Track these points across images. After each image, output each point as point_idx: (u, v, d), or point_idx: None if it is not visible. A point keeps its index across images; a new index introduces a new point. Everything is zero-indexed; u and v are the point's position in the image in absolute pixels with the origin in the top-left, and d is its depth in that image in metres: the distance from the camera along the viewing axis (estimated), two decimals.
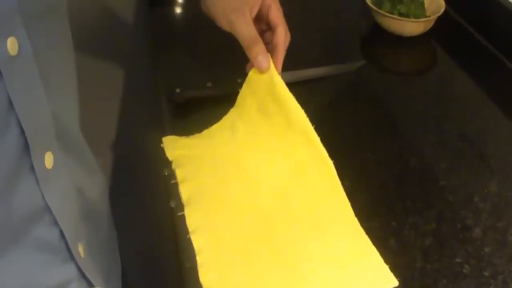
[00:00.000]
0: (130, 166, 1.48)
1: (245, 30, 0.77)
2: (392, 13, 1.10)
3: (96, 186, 0.76)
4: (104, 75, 1.52)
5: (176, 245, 0.78)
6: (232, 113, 0.85)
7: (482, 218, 0.76)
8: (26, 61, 0.51)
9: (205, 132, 0.85)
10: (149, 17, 1.27)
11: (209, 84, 0.95)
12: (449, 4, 1.13)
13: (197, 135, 0.85)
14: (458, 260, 0.71)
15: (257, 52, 0.77)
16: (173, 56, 0.86)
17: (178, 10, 1.28)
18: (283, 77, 0.96)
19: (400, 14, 1.10)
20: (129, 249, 0.89)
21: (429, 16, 1.11)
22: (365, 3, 1.12)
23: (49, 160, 0.56)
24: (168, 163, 0.83)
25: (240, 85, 0.89)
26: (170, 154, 0.81)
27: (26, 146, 0.52)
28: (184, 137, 0.85)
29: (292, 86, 0.94)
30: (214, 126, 0.85)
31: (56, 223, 0.59)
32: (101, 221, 0.77)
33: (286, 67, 0.98)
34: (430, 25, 1.11)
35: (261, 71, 0.77)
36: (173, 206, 0.77)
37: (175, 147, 0.83)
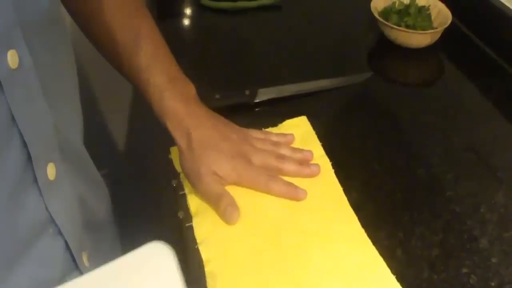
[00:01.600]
0: (138, 177, 1.48)
1: (211, 190, 0.76)
2: (399, 25, 1.10)
3: (98, 197, 0.76)
4: (111, 87, 1.53)
5: (184, 256, 0.79)
6: None
7: (489, 228, 0.76)
8: (27, 74, 0.51)
9: None
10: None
11: (217, 96, 0.96)
12: (456, 15, 1.13)
13: None
14: (465, 270, 0.71)
15: (224, 205, 0.74)
16: (181, 68, 0.87)
17: (185, 22, 1.29)
18: (289, 90, 0.97)
19: (407, 26, 1.10)
20: None
21: (436, 28, 1.11)
22: (372, 15, 1.13)
23: (51, 171, 0.57)
24: (176, 174, 0.83)
25: (248, 97, 0.90)
26: (178, 165, 0.81)
27: (29, 158, 0.53)
28: None
29: (299, 98, 0.95)
30: None
31: (60, 233, 0.60)
32: (104, 231, 0.78)
33: (293, 79, 0.99)
34: (437, 36, 1.11)
35: (231, 222, 0.74)
36: (181, 217, 0.78)
37: None
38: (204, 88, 1.01)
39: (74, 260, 0.63)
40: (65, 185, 0.60)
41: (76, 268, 0.64)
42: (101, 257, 0.72)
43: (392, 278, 0.67)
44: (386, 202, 0.77)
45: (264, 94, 0.95)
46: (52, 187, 0.57)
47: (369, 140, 0.91)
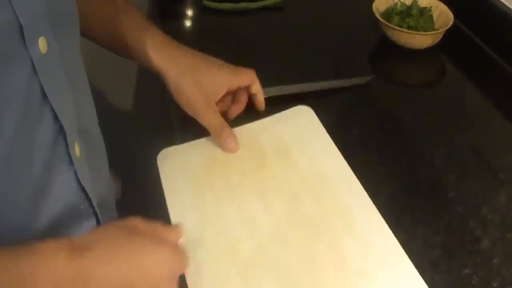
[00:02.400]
0: (139, 177, 1.49)
1: (211, 120, 0.85)
2: (401, 26, 1.10)
3: (107, 185, 0.80)
4: (111, 87, 1.53)
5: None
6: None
7: (490, 229, 0.76)
8: (54, 58, 0.57)
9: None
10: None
11: None
12: (458, 17, 1.13)
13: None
14: (466, 271, 0.71)
15: (226, 136, 0.84)
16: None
17: (187, 23, 1.29)
18: (290, 89, 0.97)
19: (409, 27, 1.10)
20: None
21: (438, 29, 1.11)
22: (375, 16, 1.13)
23: (77, 149, 0.63)
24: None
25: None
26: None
27: (59, 133, 0.59)
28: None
29: (301, 98, 0.95)
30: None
31: (92, 206, 0.67)
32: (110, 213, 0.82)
33: (295, 80, 0.99)
34: (439, 38, 1.11)
35: (231, 151, 0.84)
36: None
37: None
38: None
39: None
40: (86, 163, 0.66)
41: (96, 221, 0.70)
42: None
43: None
44: (388, 203, 0.77)
45: (265, 92, 0.96)
46: (79, 162, 0.63)
47: (370, 140, 0.91)
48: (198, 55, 0.87)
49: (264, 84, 0.92)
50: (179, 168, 0.83)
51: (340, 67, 1.12)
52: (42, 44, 0.54)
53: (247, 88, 0.90)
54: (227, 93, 0.88)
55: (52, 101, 0.56)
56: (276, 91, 0.97)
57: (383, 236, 0.72)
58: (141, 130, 1.45)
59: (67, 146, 0.60)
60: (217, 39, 1.19)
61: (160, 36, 0.85)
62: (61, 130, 0.59)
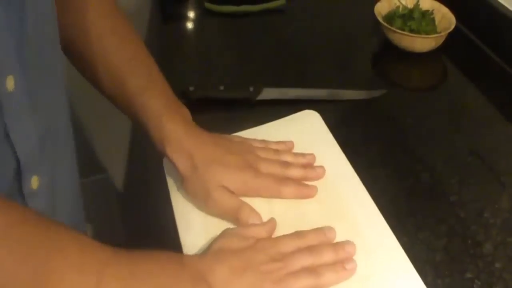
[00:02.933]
0: (141, 181, 1.49)
1: (226, 204, 0.74)
2: (403, 30, 1.10)
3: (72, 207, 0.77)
4: None
5: None
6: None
7: (493, 233, 0.76)
8: (21, 95, 0.55)
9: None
10: (162, 33, 1.28)
11: (221, 88, 0.97)
12: (460, 20, 1.13)
13: None
14: (469, 275, 0.70)
15: (247, 217, 0.73)
16: (187, 67, 0.88)
17: (190, 26, 1.29)
18: (293, 93, 0.97)
19: (411, 31, 1.10)
20: None
21: (440, 32, 1.11)
22: (376, 19, 1.13)
23: (35, 183, 0.61)
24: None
25: (252, 94, 0.90)
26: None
27: (17, 171, 0.58)
28: None
29: (301, 103, 0.95)
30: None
31: None
32: None
33: (296, 83, 0.99)
34: (441, 41, 1.11)
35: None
36: None
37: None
38: (209, 80, 1.02)
39: None
40: (46, 195, 0.64)
41: None
42: None
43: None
44: (390, 206, 0.77)
45: (267, 93, 0.96)
46: (34, 196, 0.61)
47: (372, 144, 0.91)
48: (217, 147, 0.77)
49: (265, 86, 0.92)
50: None
51: (341, 70, 1.12)
52: (9, 82, 0.53)
53: None
54: None
55: (13, 138, 0.55)
56: (278, 93, 0.97)
57: (387, 241, 0.71)
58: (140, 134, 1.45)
59: (21, 181, 0.59)
60: (219, 42, 1.19)
61: (176, 126, 0.76)
62: (18, 166, 0.58)
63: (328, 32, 1.24)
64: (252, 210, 0.73)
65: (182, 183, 0.77)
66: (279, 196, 0.76)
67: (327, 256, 0.66)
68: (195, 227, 0.74)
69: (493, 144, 0.92)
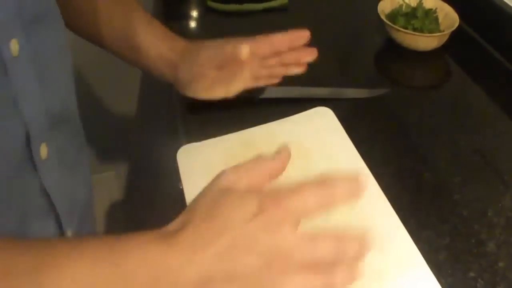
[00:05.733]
0: (145, 180, 1.49)
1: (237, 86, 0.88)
2: (406, 28, 1.10)
3: (79, 181, 0.78)
4: (119, 89, 1.54)
5: None
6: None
7: (496, 232, 0.76)
8: (26, 60, 0.56)
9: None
10: None
11: None
12: (463, 19, 1.13)
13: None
14: (472, 274, 0.70)
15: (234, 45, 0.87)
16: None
17: (192, 24, 1.29)
18: (297, 92, 0.97)
19: (414, 29, 1.10)
20: None
21: (443, 31, 1.11)
22: (380, 18, 1.13)
23: (44, 151, 0.61)
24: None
25: (255, 92, 0.90)
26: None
27: (26, 138, 0.58)
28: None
29: (305, 102, 0.95)
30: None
31: (53, 209, 0.65)
32: (86, 212, 0.80)
33: (299, 81, 0.99)
34: (444, 39, 1.11)
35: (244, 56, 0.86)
36: None
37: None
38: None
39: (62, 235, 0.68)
40: (55, 164, 0.65)
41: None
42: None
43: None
44: (393, 205, 0.77)
45: (270, 92, 0.95)
46: (45, 165, 0.62)
47: (375, 143, 0.91)
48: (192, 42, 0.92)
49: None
50: (198, 165, 0.83)
51: (345, 69, 1.12)
52: (13, 46, 0.54)
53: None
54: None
55: (20, 103, 0.56)
56: (282, 92, 0.97)
57: (401, 238, 0.72)
58: (147, 132, 1.45)
59: (31, 148, 0.60)
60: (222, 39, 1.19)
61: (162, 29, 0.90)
62: (27, 132, 0.58)
63: (331, 30, 1.23)
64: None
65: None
66: None
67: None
68: None
69: (496, 143, 0.92)
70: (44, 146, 0.61)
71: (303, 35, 0.85)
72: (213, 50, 0.88)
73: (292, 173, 0.74)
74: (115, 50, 0.89)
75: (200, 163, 0.83)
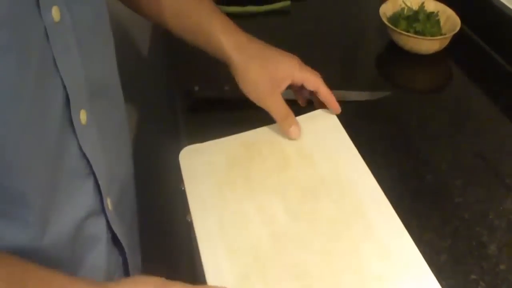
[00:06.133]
0: (147, 181, 1.49)
1: (278, 106, 0.85)
2: (408, 31, 1.10)
3: (121, 151, 0.80)
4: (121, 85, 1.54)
5: (192, 259, 0.79)
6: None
7: (497, 235, 0.76)
8: (66, 27, 0.59)
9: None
10: (168, 33, 1.28)
11: (226, 88, 0.97)
12: (465, 22, 1.14)
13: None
14: (473, 276, 0.71)
15: (289, 124, 0.85)
16: (192, 67, 0.88)
17: None
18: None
19: (416, 32, 1.10)
20: (144, 263, 0.90)
21: (445, 34, 1.11)
22: (382, 21, 1.13)
23: (83, 117, 0.63)
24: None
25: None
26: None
27: (66, 102, 0.60)
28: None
29: (307, 104, 0.95)
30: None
31: (92, 173, 0.67)
32: (126, 185, 0.82)
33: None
34: (445, 43, 1.11)
35: (293, 138, 0.86)
36: (189, 220, 0.78)
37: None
38: (214, 79, 1.02)
39: (101, 201, 0.69)
40: (94, 132, 0.67)
41: (102, 211, 0.70)
42: (123, 210, 0.78)
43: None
44: (394, 207, 0.77)
45: None
46: (84, 131, 0.64)
47: (377, 145, 0.91)
48: (265, 44, 0.89)
49: None
50: (200, 166, 0.83)
51: (346, 72, 1.12)
52: (55, 12, 0.56)
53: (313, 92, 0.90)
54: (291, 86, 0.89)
55: (60, 68, 0.58)
56: (283, 94, 0.97)
57: (403, 242, 0.71)
58: (148, 133, 1.45)
59: (71, 113, 0.61)
60: None
61: (229, 22, 0.87)
62: (68, 97, 0.60)
63: (333, 33, 1.24)
64: (296, 123, 0.85)
65: (239, 78, 0.87)
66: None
67: None
68: (210, 220, 0.75)
69: (497, 146, 0.92)
70: (84, 112, 0.63)
71: (336, 108, 0.89)
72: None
73: (295, 174, 0.81)
74: (175, 30, 0.90)
75: (202, 164, 0.83)
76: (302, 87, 0.88)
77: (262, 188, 0.79)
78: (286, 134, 0.85)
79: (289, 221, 0.74)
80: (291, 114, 0.85)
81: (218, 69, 0.95)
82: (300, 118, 0.89)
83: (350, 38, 1.23)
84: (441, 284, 0.68)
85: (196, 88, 0.98)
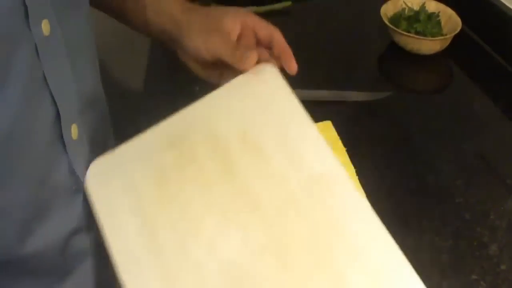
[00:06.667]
0: None
1: (221, 47, 0.72)
2: (409, 32, 1.10)
3: None
4: (118, 87, 1.54)
5: None
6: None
7: (498, 235, 0.76)
8: (57, 41, 0.57)
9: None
10: None
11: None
12: (466, 22, 1.14)
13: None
14: (474, 277, 0.71)
15: (240, 55, 0.69)
16: (190, 73, 0.88)
17: None
18: (297, 95, 0.96)
19: (417, 33, 1.10)
20: None
21: (446, 35, 1.11)
22: (383, 22, 1.13)
23: (74, 131, 0.62)
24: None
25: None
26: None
27: (56, 118, 0.59)
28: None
29: (307, 104, 0.95)
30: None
31: (80, 189, 0.64)
32: None
33: (302, 85, 0.99)
34: (446, 43, 1.11)
35: (246, 68, 0.69)
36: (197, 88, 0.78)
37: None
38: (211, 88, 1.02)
39: (88, 218, 0.67)
40: (85, 146, 0.65)
41: (91, 227, 0.67)
42: None
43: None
44: (395, 208, 0.78)
45: None
46: (75, 146, 0.62)
47: (378, 146, 0.91)
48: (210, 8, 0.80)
49: None
50: (116, 187, 0.61)
51: (347, 72, 1.12)
52: (45, 26, 0.55)
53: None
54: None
55: (50, 84, 0.57)
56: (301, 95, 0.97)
57: (393, 259, 0.56)
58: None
59: (62, 128, 0.60)
60: None
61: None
62: (58, 113, 0.59)
63: (334, 34, 1.24)
64: (252, 55, 0.69)
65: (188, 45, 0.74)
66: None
67: None
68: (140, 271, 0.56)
69: (498, 147, 0.92)
70: (75, 127, 0.62)
71: (292, 66, 0.73)
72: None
73: (244, 181, 0.59)
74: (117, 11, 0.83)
75: (118, 184, 0.62)
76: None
77: (205, 208, 0.58)
78: (240, 68, 0.68)
79: (250, 261, 0.54)
80: (240, 46, 0.71)
81: None
82: (235, 82, 0.68)
83: (351, 38, 1.23)
84: (442, 285, 0.69)
85: (197, 88, 0.98)
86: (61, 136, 0.60)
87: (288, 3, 1.30)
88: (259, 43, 0.77)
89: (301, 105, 0.63)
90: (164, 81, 1.32)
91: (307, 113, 0.63)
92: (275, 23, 1.28)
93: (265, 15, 1.27)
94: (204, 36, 0.74)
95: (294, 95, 0.64)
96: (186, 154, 0.61)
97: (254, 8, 1.27)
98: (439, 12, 1.15)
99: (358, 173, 0.82)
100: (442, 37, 1.10)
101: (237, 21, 0.76)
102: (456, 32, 1.10)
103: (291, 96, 0.65)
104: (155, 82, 1.39)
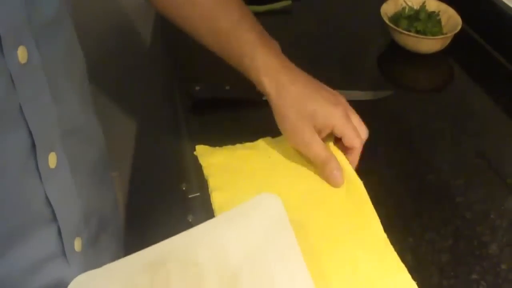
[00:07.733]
0: (148, 181, 1.49)
1: (315, 153, 0.75)
2: (409, 31, 1.10)
3: (101, 189, 0.77)
4: (121, 91, 1.54)
5: None
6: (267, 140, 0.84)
7: (498, 234, 0.76)
8: (35, 69, 0.55)
9: (238, 146, 0.83)
10: (169, 33, 1.28)
11: (227, 88, 0.97)
12: (466, 21, 1.13)
13: (230, 147, 0.83)
14: (474, 276, 0.70)
15: (330, 169, 0.75)
16: (193, 66, 0.88)
17: None
18: None
19: (417, 32, 1.10)
20: None
21: (446, 34, 1.11)
22: (383, 21, 1.13)
23: (52, 160, 0.60)
24: (185, 178, 0.83)
25: (258, 94, 0.90)
26: (203, 161, 0.79)
27: (32, 147, 0.57)
28: (217, 147, 0.82)
29: None
30: (248, 144, 0.84)
31: (55, 219, 0.63)
32: (107, 221, 0.79)
33: None
34: (447, 42, 1.11)
35: (336, 185, 0.75)
36: (190, 220, 0.78)
37: (208, 156, 0.80)
38: (214, 79, 1.02)
39: (63, 245, 0.66)
40: (65, 173, 0.63)
41: (64, 255, 0.66)
42: (103, 244, 0.75)
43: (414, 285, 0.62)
44: (396, 207, 0.77)
45: None
46: (52, 174, 0.60)
47: (378, 145, 0.91)
48: (310, 83, 0.80)
49: None
50: None
51: (347, 71, 1.12)
52: (21, 53, 0.52)
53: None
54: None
55: (26, 114, 0.54)
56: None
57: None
58: (149, 134, 1.45)
59: (37, 158, 0.58)
60: None
61: (272, 58, 0.78)
62: (33, 143, 0.57)
63: (334, 33, 1.24)
64: (338, 167, 0.74)
65: (278, 122, 0.77)
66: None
67: None
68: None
69: (499, 146, 0.92)
70: (53, 155, 0.60)
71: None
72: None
73: None
74: (210, 45, 0.84)
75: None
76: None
77: None
78: (327, 181, 0.75)
79: None
80: (333, 157, 0.75)
81: (219, 69, 0.96)
82: (235, 210, 0.66)
83: (351, 37, 1.23)
84: (442, 284, 0.69)
85: (197, 88, 0.98)
86: (37, 166, 0.58)
87: (288, 2, 1.30)
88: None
89: (297, 245, 0.60)
90: (164, 80, 1.32)
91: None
92: (275, 22, 1.29)
93: (265, 14, 1.28)
94: (295, 116, 0.75)
95: (293, 233, 0.61)
96: (157, 273, 0.59)
97: (254, 7, 1.27)
98: (439, 11, 1.15)
99: (358, 172, 0.82)
100: (442, 36, 1.10)
101: (329, 124, 0.75)
102: (457, 31, 1.10)
103: (288, 233, 0.61)
104: (155, 81, 1.39)
